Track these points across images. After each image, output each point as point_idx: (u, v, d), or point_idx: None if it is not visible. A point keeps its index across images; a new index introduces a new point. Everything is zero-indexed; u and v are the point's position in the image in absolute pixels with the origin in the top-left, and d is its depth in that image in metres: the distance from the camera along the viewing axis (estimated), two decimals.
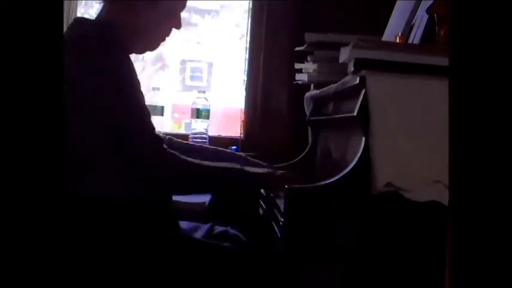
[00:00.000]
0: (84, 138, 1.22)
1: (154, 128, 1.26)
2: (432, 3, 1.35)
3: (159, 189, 1.32)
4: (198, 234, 1.44)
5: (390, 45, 1.36)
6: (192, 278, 1.28)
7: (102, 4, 1.36)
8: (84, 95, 1.20)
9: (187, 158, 1.29)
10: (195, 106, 2.21)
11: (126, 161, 1.24)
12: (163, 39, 1.40)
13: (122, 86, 1.22)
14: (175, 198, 1.45)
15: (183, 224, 1.46)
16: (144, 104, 1.27)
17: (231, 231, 1.51)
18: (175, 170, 1.28)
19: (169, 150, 1.27)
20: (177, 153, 1.29)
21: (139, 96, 1.25)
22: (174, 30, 1.40)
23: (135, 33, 1.31)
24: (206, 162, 1.33)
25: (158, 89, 2.27)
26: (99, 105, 1.21)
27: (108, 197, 1.24)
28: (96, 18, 1.36)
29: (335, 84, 1.46)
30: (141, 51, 1.38)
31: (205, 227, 1.49)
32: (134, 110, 1.24)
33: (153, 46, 1.39)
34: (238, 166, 1.40)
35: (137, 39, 1.33)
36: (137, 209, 1.26)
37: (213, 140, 2.24)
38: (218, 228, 1.51)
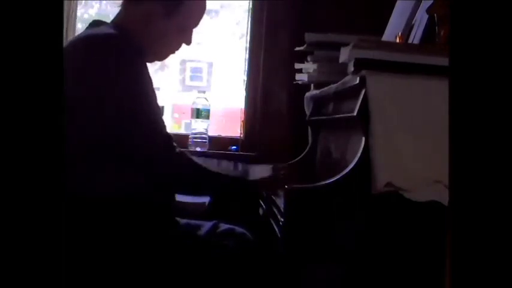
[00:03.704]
0: (91, 136, 1.23)
1: (165, 127, 1.30)
2: (432, 3, 1.35)
3: (165, 187, 1.34)
4: (201, 232, 1.44)
5: (390, 45, 1.36)
6: (191, 277, 1.28)
7: (119, 9, 1.40)
8: (96, 93, 1.23)
9: (196, 160, 1.34)
10: (195, 106, 2.21)
11: (132, 159, 1.25)
12: (173, 52, 1.45)
13: (135, 85, 1.26)
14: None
15: (186, 222, 1.46)
16: (157, 104, 1.31)
17: (238, 229, 1.51)
18: (184, 168, 1.31)
19: (179, 148, 1.30)
20: (185, 152, 1.32)
21: (152, 96, 1.30)
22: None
23: (146, 41, 1.36)
24: (212, 167, 1.39)
25: (158, 89, 2.26)
26: (110, 103, 1.23)
27: (109, 196, 1.24)
28: (113, 21, 1.40)
29: (335, 84, 1.46)
30: (150, 59, 1.42)
31: (208, 225, 1.49)
32: (145, 108, 1.27)
33: (161, 56, 1.45)
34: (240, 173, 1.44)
35: (148, 48, 1.37)
36: (138, 208, 1.27)
37: (213, 140, 2.24)
38: (223, 226, 1.51)
